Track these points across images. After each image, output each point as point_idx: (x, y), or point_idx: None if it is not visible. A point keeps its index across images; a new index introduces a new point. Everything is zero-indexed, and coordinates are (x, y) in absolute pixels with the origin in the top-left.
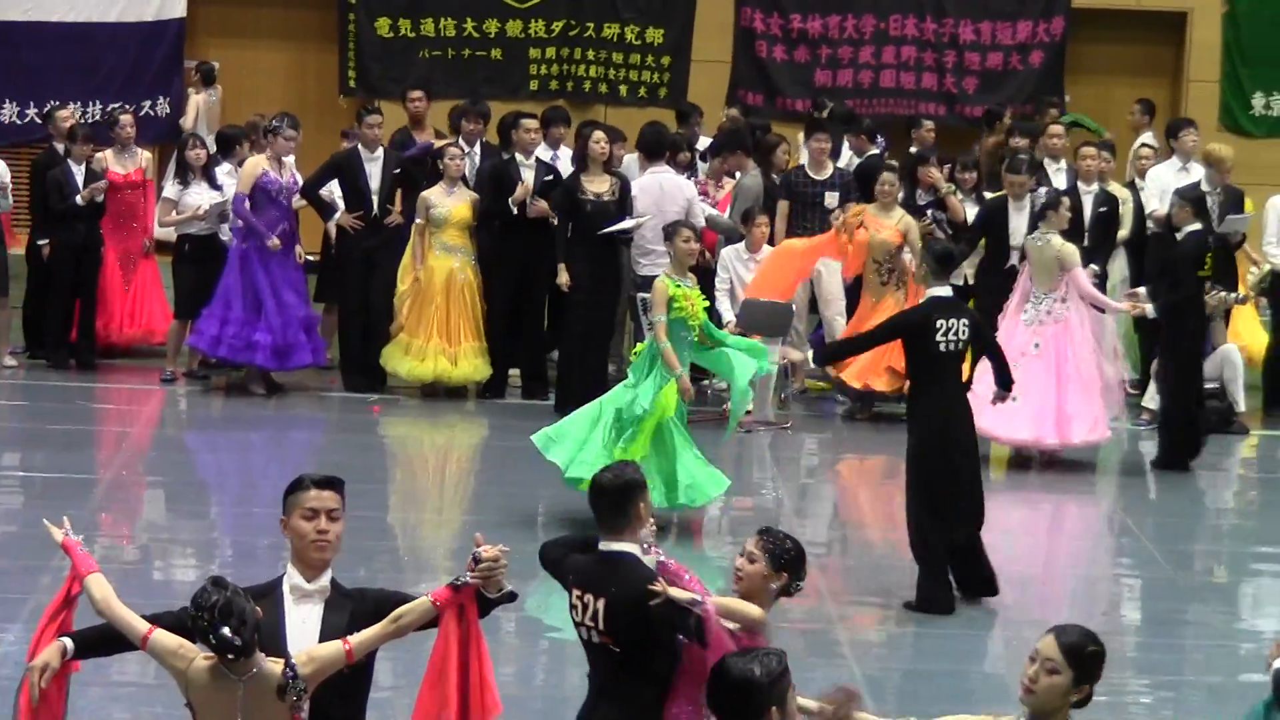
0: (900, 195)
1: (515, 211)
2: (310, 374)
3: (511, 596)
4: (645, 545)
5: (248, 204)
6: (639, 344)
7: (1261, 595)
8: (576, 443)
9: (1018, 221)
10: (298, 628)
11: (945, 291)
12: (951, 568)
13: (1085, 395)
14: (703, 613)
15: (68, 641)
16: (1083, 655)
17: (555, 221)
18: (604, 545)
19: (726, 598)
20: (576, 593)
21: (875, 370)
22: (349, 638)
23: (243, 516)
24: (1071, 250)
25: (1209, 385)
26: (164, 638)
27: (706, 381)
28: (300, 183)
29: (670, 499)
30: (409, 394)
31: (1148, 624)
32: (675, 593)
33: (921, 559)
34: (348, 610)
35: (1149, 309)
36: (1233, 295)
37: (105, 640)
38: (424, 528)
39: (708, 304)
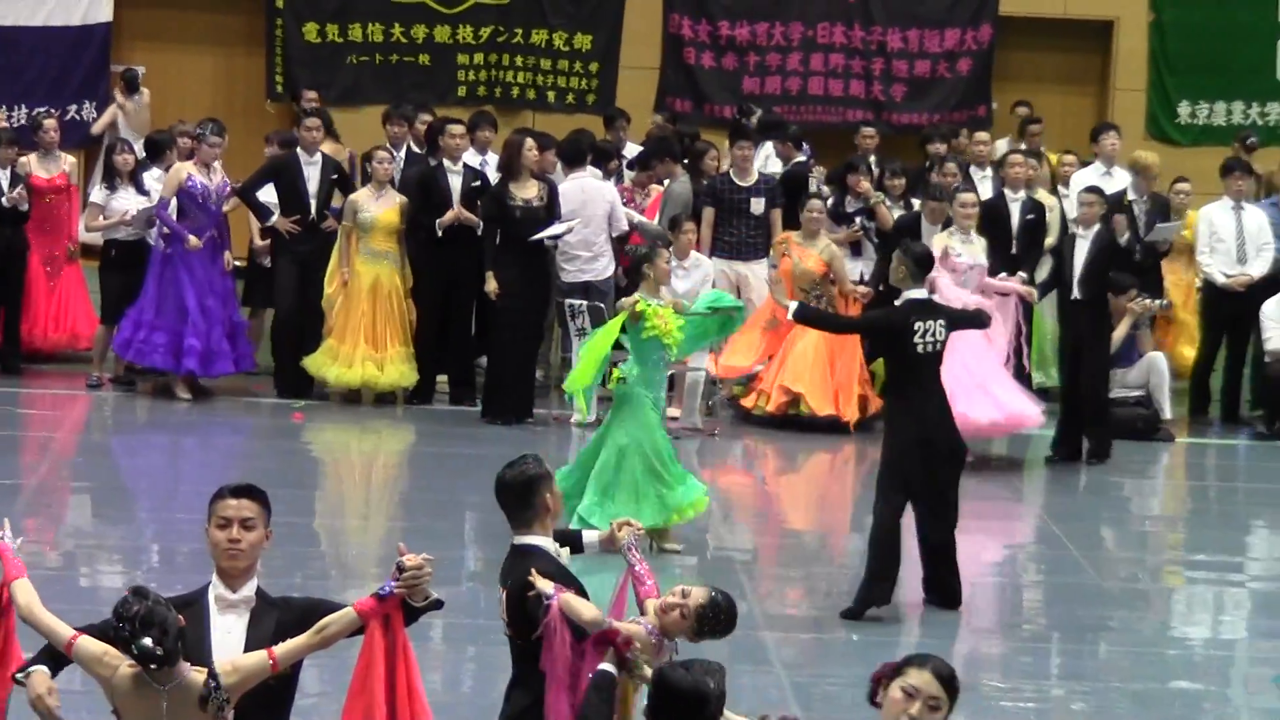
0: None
1: (441, 234)
2: (237, 379)
3: (438, 604)
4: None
5: (173, 210)
6: (614, 373)
7: (1187, 602)
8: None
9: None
10: (222, 637)
11: (921, 293)
12: (924, 568)
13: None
14: (548, 605)
15: (44, 668)
16: (955, 684)
17: (481, 228)
18: (515, 539)
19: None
20: (500, 589)
21: (846, 400)
22: (274, 648)
23: (167, 523)
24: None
25: (1135, 393)
26: (88, 644)
27: None
28: (229, 187)
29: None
30: (335, 400)
31: (1074, 630)
32: (540, 584)
33: (873, 559)
34: (273, 619)
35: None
36: (1158, 302)
37: (56, 656)
38: (351, 534)
39: (682, 323)
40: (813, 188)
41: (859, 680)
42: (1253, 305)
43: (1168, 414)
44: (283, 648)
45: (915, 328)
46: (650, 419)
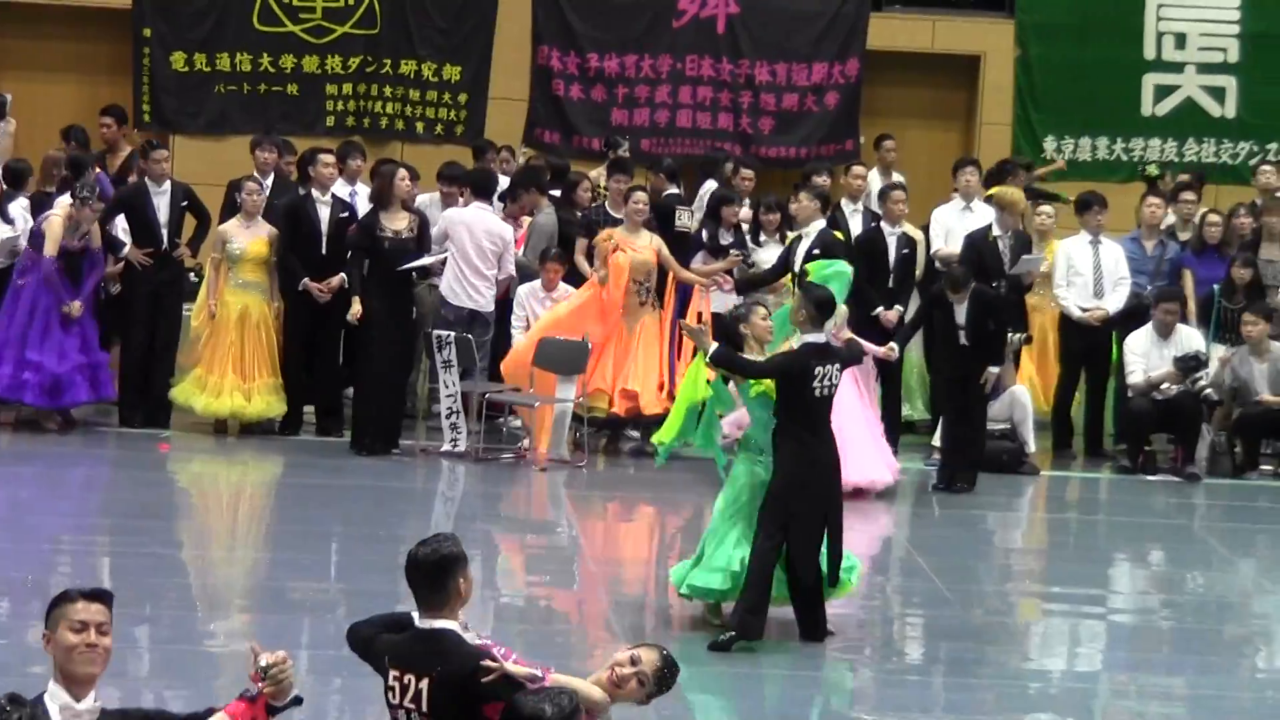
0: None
1: (312, 265)
2: (104, 409)
3: (298, 701)
4: (463, 624)
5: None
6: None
7: (1049, 635)
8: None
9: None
10: None
11: (820, 338)
12: (796, 608)
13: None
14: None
15: None
16: None
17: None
18: (422, 623)
19: (571, 677)
20: (394, 673)
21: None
22: None
23: (30, 554)
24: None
25: (999, 426)
26: None
27: (502, 419)
28: (90, 249)
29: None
30: (201, 430)
31: (938, 663)
32: (512, 668)
33: (749, 587)
34: None
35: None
36: (1018, 336)
37: None
38: (216, 565)
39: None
40: (683, 220)
41: (731, 712)
42: (1108, 339)
43: (1031, 447)
44: None
45: (815, 372)
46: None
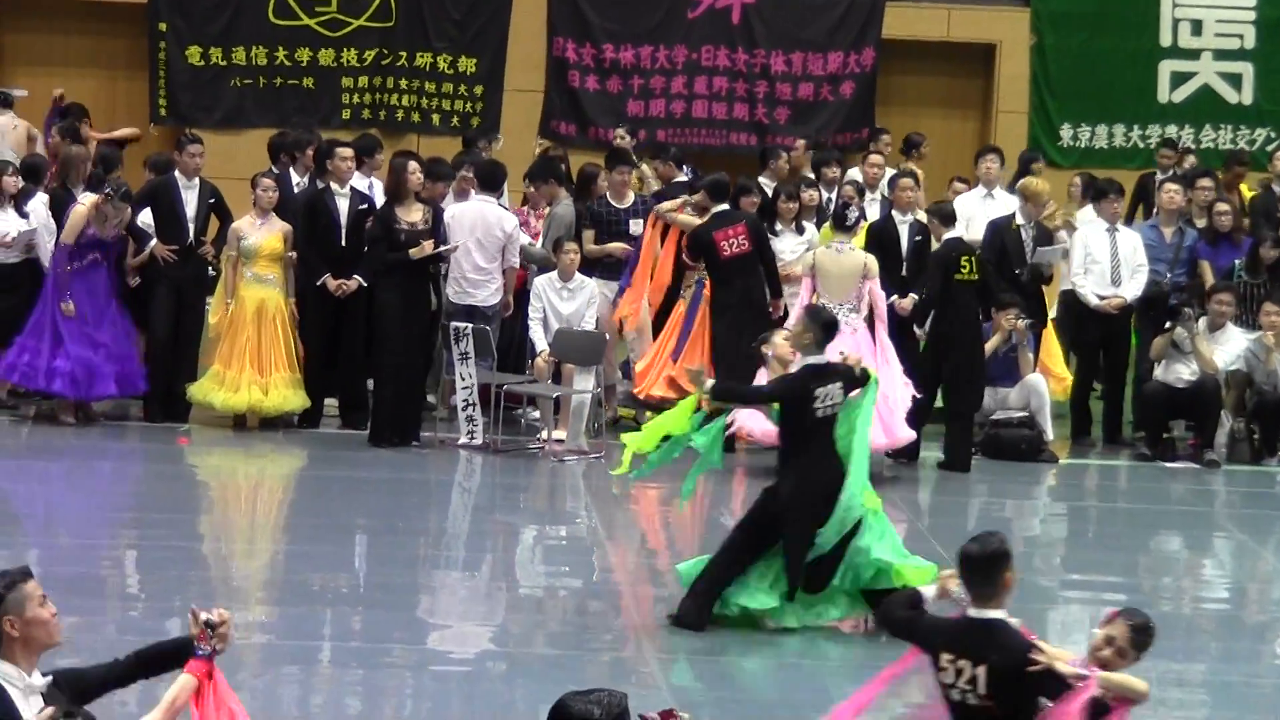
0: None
1: (332, 256)
2: (124, 404)
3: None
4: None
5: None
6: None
7: (1069, 622)
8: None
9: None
10: None
11: (820, 359)
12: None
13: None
14: (1086, 687)
15: None
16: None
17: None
18: (974, 612)
19: (1114, 674)
20: (948, 657)
21: (655, 383)
22: None
23: (50, 547)
24: (874, 261)
25: (1018, 414)
26: None
27: (520, 411)
28: (116, 236)
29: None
30: (221, 424)
31: None
32: (1061, 667)
33: (704, 579)
34: (66, 695)
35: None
36: (1023, 321)
37: None
38: (236, 558)
39: None
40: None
41: (742, 701)
42: (1126, 327)
43: (1050, 435)
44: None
45: (816, 394)
46: None
